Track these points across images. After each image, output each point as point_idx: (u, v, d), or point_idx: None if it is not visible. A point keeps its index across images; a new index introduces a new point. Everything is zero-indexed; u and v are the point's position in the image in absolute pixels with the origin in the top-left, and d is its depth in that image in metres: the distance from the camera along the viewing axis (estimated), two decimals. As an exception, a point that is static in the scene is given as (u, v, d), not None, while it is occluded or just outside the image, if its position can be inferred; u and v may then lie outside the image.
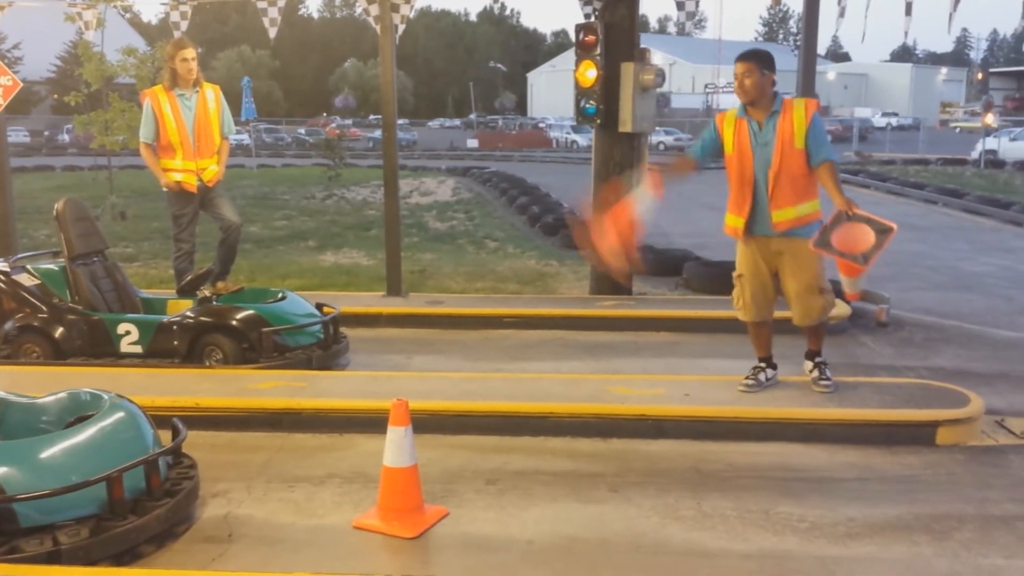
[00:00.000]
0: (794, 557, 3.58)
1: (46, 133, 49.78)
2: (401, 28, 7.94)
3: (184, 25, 8.51)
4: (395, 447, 3.78)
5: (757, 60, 4.98)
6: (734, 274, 5.36)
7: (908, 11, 7.20)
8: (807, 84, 7.78)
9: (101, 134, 15.25)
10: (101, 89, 15.13)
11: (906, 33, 7.54)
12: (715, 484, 4.29)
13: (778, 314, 5.46)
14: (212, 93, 6.85)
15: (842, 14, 7.47)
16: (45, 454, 3.49)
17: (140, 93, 7.55)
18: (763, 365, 5.41)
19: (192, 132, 6.71)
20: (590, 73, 7.81)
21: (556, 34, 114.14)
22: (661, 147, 41.17)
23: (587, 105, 7.89)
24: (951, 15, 6.92)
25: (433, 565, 3.58)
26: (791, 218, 5.02)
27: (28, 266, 6.37)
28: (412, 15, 8.07)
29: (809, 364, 5.40)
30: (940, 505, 4.06)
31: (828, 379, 5.29)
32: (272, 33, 8.36)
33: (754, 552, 3.62)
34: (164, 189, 6.89)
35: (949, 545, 3.67)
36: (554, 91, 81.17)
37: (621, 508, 4.03)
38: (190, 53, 6.65)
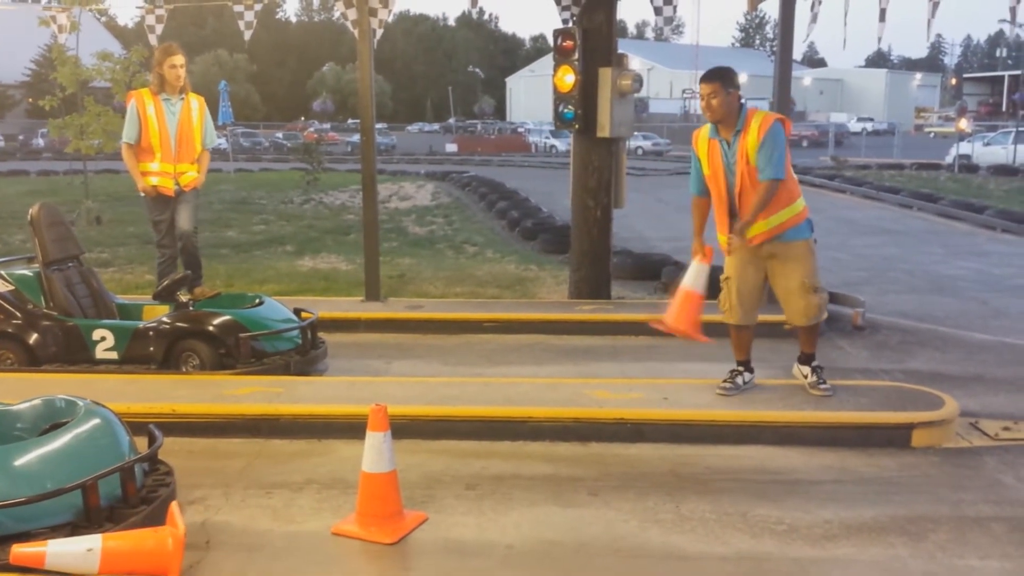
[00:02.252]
0: (772, 559, 3.61)
1: (20, 137, 49.24)
2: (379, 33, 7.93)
3: (159, 29, 8.47)
4: (374, 453, 3.77)
5: (721, 79, 5.00)
6: (722, 277, 5.38)
7: (882, 17, 7.26)
8: (783, 89, 7.84)
9: (76, 138, 15.13)
10: (76, 93, 15.01)
11: (879, 39, 7.61)
12: (693, 487, 4.31)
13: (761, 317, 5.50)
14: (196, 103, 6.88)
15: (814, 20, 7.53)
16: (19, 461, 3.46)
17: (126, 95, 7.52)
18: (740, 369, 5.44)
19: (174, 137, 6.71)
20: (568, 78, 7.84)
21: (535, 39, 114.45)
22: (639, 152, 41.34)
23: (565, 110, 7.91)
24: (929, 21, 6.98)
25: (412, 571, 3.57)
26: (764, 231, 5.07)
27: (2, 272, 6.29)
28: (390, 19, 8.06)
29: (805, 369, 5.43)
30: (915, 507, 4.10)
31: (826, 383, 5.32)
32: (247, 36, 8.34)
33: (732, 554, 3.64)
34: (141, 194, 6.86)
35: (924, 546, 3.71)
36: (533, 96, 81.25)
37: (600, 512, 4.04)
38: (179, 60, 6.68)
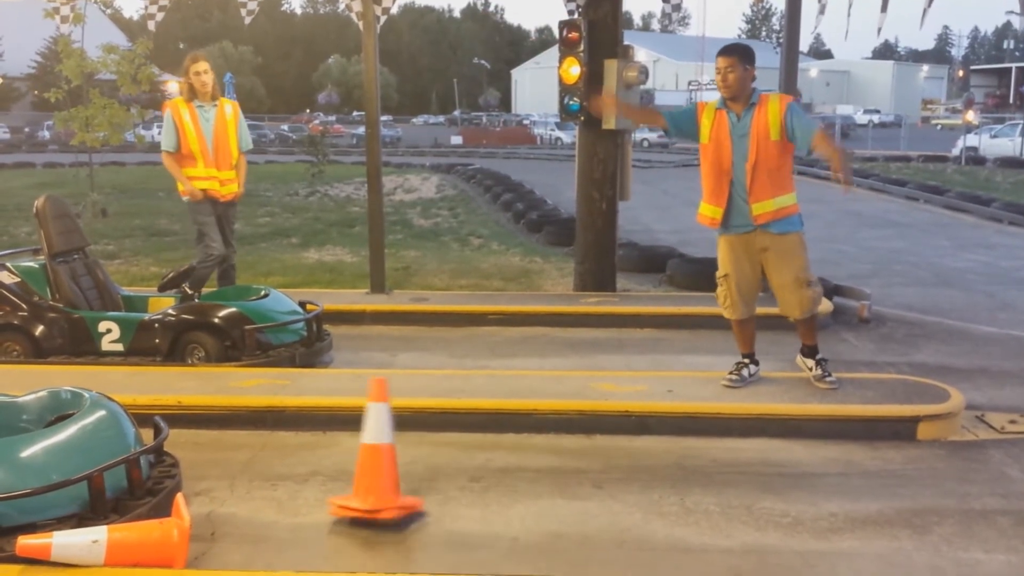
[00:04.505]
0: (776, 552, 3.60)
1: (26, 130, 49.32)
2: (383, 20, 7.91)
3: (160, 16, 8.48)
4: (373, 423, 3.79)
5: (740, 55, 5.01)
6: (718, 274, 5.38)
7: (884, 7, 7.23)
8: (789, 81, 7.81)
9: (82, 130, 15.15)
10: (82, 85, 15.01)
11: (879, 29, 7.56)
12: (698, 480, 4.31)
13: (762, 310, 5.49)
14: (231, 108, 6.90)
15: (822, 11, 7.50)
16: (25, 453, 3.47)
17: (161, 104, 7.60)
18: (746, 361, 5.43)
19: (211, 144, 6.72)
20: (574, 70, 7.82)
21: (540, 31, 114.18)
22: (645, 144, 41.25)
23: (571, 102, 7.89)
24: (924, 10, 6.95)
25: (417, 563, 3.57)
26: (771, 210, 5.05)
27: (8, 264, 6.31)
28: (395, 10, 8.05)
29: (810, 362, 5.41)
30: (921, 500, 4.10)
31: (831, 375, 5.31)
32: (247, 21, 8.33)
33: (737, 547, 3.64)
34: (185, 199, 6.81)
35: (930, 539, 3.70)
36: (538, 88, 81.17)
37: (605, 504, 4.04)
38: (202, 67, 6.69)
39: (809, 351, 5.43)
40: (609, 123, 7.65)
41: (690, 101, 67.49)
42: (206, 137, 6.69)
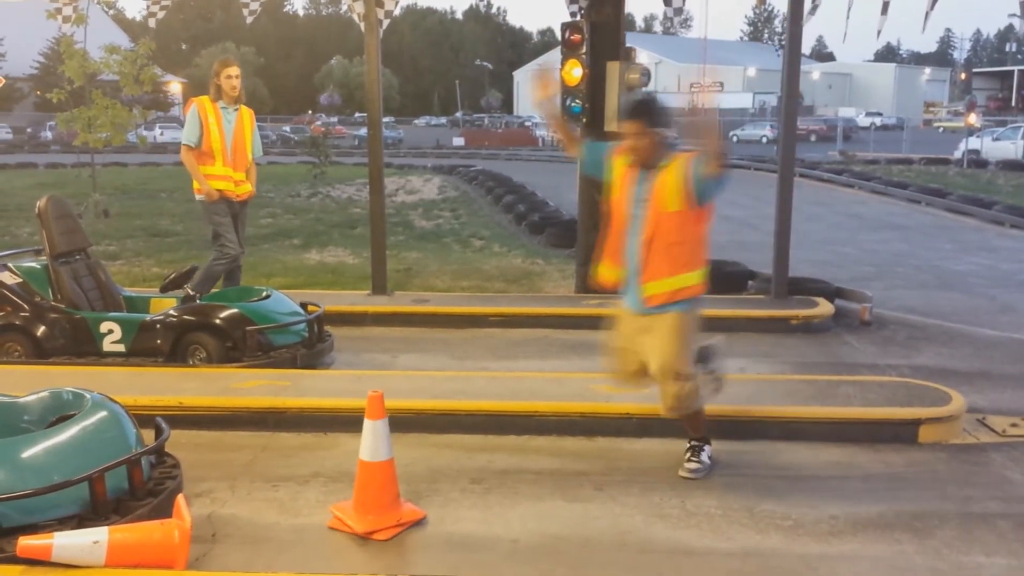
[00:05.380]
0: (778, 555, 3.60)
1: (29, 130, 49.34)
2: (385, 23, 7.92)
3: (161, 14, 8.52)
4: (371, 441, 3.78)
5: (644, 117, 4.13)
6: (609, 343, 4.50)
7: (884, 10, 7.22)
8: (791, 83, 7.80)
9: (84, 131, 15.16)
10: (84, 86, 15.03)
11: (879, 32, 7.57)
12: (699, 482, 4.30)
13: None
14: (249, 114, 7.05)
15: (813, 12, 7.50)
16: (27, 454, 3.47)
17: (186, 101, 7.72)
18: (699, 444, 4.49)
19: (230, 145, 6.85)
20: (576, 72, 7.82)
21: (542, 32, 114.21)
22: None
23: (573, 104, 7.90)
24: (927, 13, 6.95)
25: (417, 564, 3.57)
26: (665, 291, 4.13)
27: (10, 264, 6.32)
28: (397, 11, 8.06)
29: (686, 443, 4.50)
30: (922, 503, 4.09)
31: (699, 464, 4.40)
32: (249, 20, 8.38)
33: (738, 550, 3.63)
34: (199, 198, 6.88)
35: (931, 543, 3.70)
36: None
37: (606, 507, 4.04)
38: (235, 71, 6.87)
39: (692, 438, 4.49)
40: (611, 125, 7.66)
41: (691, 104, 67.74)
42: (226, 138, 6.82)
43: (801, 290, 8.01)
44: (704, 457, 4.44)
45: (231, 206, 6.92)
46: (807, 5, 7.58)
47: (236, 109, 6.92)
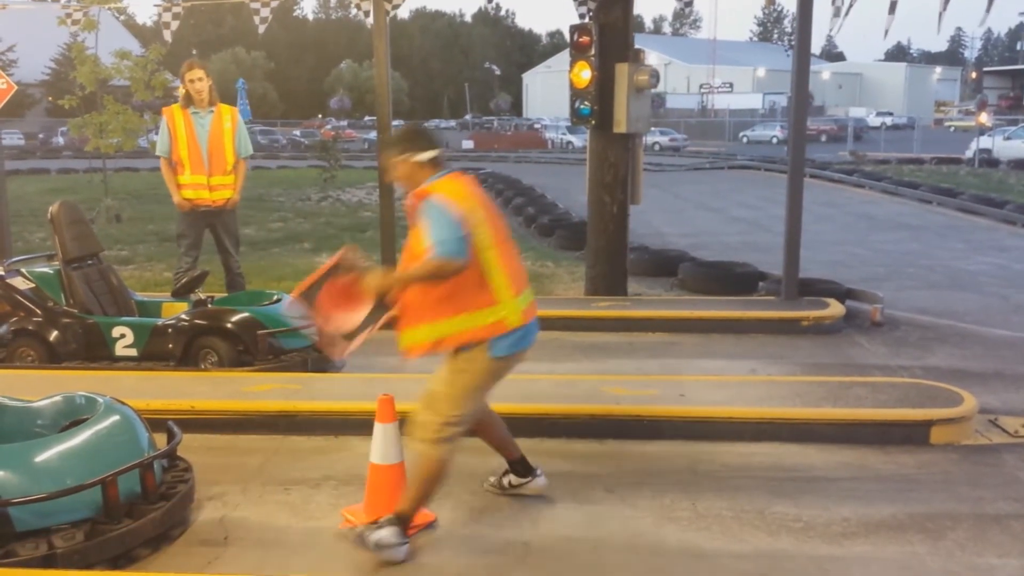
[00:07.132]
0: (789, 557, 3.59)
1: (41, 136, 49.60)
2: (392, 13, 7.88)
3: (175, 25, 8.52)
4: (381, 444, 3.79)
5: (388, 147, 3.86)
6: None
7: (892, 9, 7.18)
8: (801, 83, 7.79)
9: (96, 137, 15.23)
10: (96, 92, 15.10)
11: (886, 32, 7.53)
12: (710, 484, 4.30)
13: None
14: (229, 114, 7.02)
15: (836, 14, 7.48)
16: (40, 458, 3.49)
17: (156, 104, 7.80)
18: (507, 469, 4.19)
19: (206, 150, 6.86)
20: (585, 74, 7.83)
21: (551, 35, 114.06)
22: (656, 147, 41.20)
23: (582, 106, 7.90)
24: (940, 14, 6.92)
25: (428, 568, 3.57)
26: (424, 342, 3.73)
27: (23, 269, 6.36)
28: (405, 14, 8.11)
29: (383, 522, 3.56)
30: (934, 504, 4.08)
31: (392, 545, 3.48)
32: (261, 29, 8.39)
33: (749, 552, 3.63)
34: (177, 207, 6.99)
35: (943, 544, 3.68)
36: (549, 92, 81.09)
37: (617, 509, 4.04)
38: (197, 74, 6.82)
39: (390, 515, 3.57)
40: (619, 127, 7.66)
41: (701, 104, 67.65)
42: (200, 143, 6.84)
43: (812, 291, 7.99)
44: (389, 535, 3.47)
45: (206, 215, 6.94)
46: (827, 8, 7.54)
47: (211, 112, 6.87)
